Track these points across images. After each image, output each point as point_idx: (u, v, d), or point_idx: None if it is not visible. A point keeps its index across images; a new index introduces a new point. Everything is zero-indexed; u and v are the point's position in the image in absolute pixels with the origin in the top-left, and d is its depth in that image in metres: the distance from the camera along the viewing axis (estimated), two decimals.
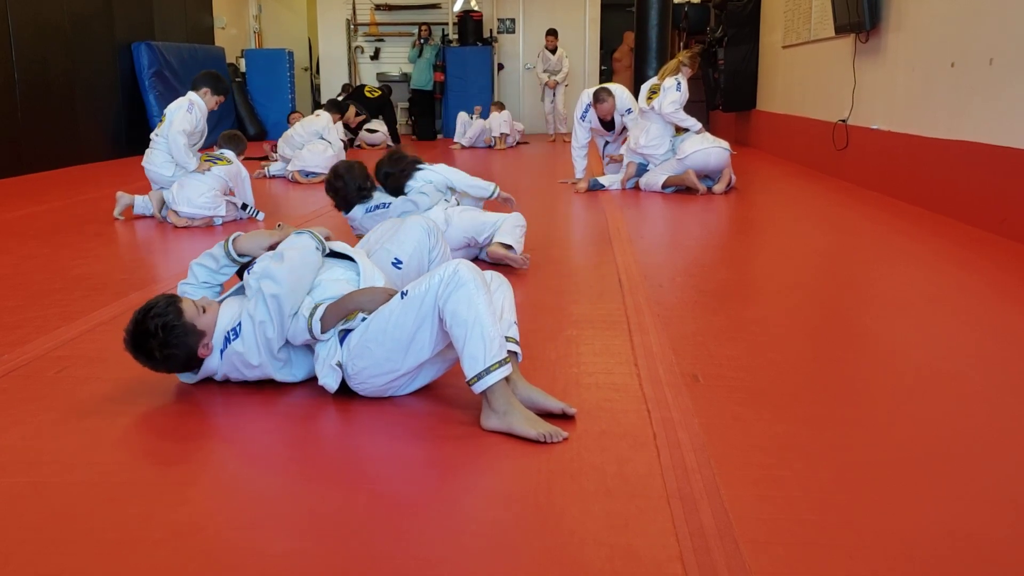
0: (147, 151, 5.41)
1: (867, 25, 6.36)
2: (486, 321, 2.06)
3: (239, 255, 2.48)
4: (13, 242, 4.74)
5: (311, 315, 2.23)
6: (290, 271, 2.26)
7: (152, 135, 5.44)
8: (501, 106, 11.91)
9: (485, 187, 4.29)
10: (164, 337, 2.20)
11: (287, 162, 7.99)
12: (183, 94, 5.52)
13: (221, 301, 2.41)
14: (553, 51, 12.68)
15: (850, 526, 1.66)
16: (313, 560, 1.56)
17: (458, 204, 4.17)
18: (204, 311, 2.28)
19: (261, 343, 2.26)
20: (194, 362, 2.31)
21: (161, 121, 5.39)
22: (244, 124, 12.34)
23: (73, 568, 1.54)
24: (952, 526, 1.67)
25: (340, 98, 11.67)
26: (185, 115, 5.28)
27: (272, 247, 2.45)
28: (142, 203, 5.47)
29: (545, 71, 12.73)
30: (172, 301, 2.25)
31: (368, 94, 11.71)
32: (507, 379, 2.10)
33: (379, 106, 11.70)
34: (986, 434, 2.13)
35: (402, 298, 2.17)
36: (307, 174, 7.70)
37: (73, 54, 8.90)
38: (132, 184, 6.69)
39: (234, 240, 2.49)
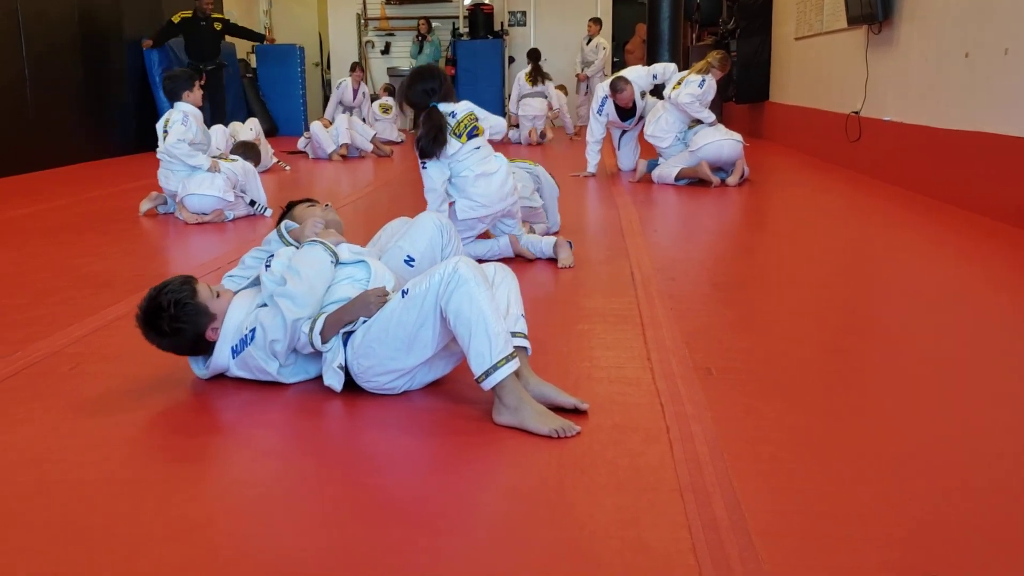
0: (160, 171, 5.38)
1: (880, 16, 6.31)
2: (490, 318, 2.06)
3: (295, 240, 2.56)
4: (21, 239, 4.75)
5: (311, 330, 2.26)
6: (310, 290, 2.29)
7: (158, 155, 5.37)
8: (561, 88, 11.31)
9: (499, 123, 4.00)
10: (175, 313, 2.25)
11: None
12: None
13: (237, 291, 2.47)
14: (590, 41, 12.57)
15: (862, 518, 1.65)
16: (324, 554, 1.55)
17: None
18: (218, 295, 2.35)
19: (270, 353, 2.31)
20: (202, 344, 2.34)
21: (164, 135, 5.31)
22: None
23: (84, 565, 1.54)
24: (966, 518, 1.65)
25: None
26: (181, 128, 5.23)
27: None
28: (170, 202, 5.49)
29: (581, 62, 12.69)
30: (187, 280, 2.32)
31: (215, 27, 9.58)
32: (517, 374, 2.10)
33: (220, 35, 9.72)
34: (1002, 425, 2.11)
35: (403, 297, 2.17)
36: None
37: (83, 51, 8.92)
38: (141, 181, 6.73)
39: (288, 228, 2.58)
